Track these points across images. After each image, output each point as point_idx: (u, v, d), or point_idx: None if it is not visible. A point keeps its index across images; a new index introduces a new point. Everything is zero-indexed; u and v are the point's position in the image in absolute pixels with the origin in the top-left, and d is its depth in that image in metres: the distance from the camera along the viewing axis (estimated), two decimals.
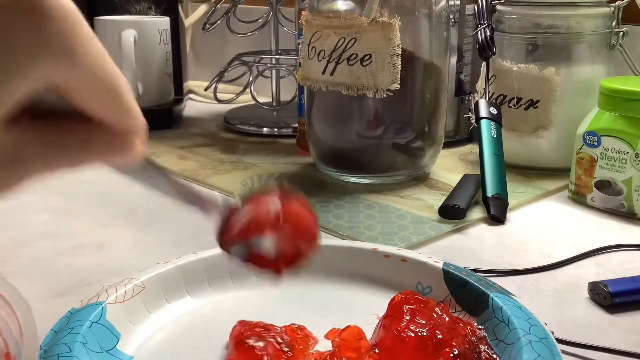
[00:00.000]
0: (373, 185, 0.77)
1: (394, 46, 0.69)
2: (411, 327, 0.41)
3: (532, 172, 0.81)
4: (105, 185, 0.77)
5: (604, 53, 0.80)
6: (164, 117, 1.04)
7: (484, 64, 0.82)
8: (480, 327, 0.44)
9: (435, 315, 0.42)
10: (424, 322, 0.41)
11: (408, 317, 0.42)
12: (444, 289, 0.48)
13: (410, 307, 0.42)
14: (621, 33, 0.79)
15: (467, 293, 0.47)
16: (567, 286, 0.54)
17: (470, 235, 0.64)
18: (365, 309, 0.47)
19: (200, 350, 0.44)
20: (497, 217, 0.67)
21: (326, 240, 0.54)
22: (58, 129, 0.26)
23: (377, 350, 0.41)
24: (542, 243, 0.62)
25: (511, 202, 0.70)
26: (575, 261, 0.58)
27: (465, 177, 0.74)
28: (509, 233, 0.65)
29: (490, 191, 0.68)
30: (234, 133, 1.02)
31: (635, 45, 0.85)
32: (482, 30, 0.81)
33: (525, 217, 0.69)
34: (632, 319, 0.49)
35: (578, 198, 0.72)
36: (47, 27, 0.23)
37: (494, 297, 0.44)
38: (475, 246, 0.62)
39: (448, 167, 0.84)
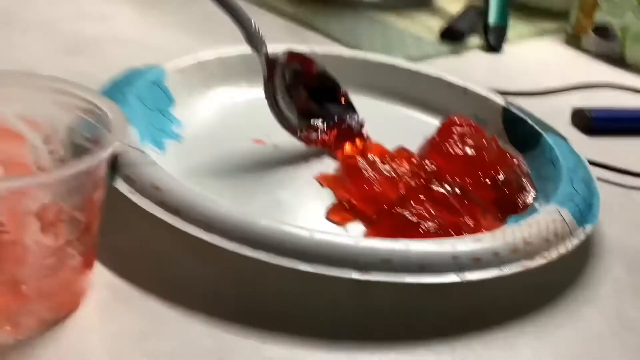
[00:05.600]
0: (377, 4, 0.76)
1: None
2: (459, 145, 0.42)
3: (535, 11, 0.81)
4: None
5: None
6: None
7: None
8: (526, 163, 0.44)
9: (485, 142, 0.42)
10: (472, 143, 0.42)
11: (457, 138, 0.42)
12: (498, 124, 0.48)
13: (462, 129, 0.43)
14: None
15: (521, 130, 0.46)
16: (552, 111, 0.56)
17: (467, 59, 0.66)
18: (417, 131, 0.46)
19: (246, 137, 0.44)
20: (494, 45, 0.68)
21: (388, 59, 0.53)
22: None
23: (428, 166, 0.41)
24: (533, 75, 0.65)
25: (510, 35, 0.71)
26: (562, 92, 0.61)
27: (469, 7, 0.75)
28: (503, 62, 0.67)
29: (492, 18, 0.69)
30: None
31: None
32: None
33: (521, 51, 0.71)
34: (609, 142, 0.52)
35: (574, 41, 0.73)
36: None
37: (547, 137, 0.44)
38: (469, 69, 0.64)
39: None
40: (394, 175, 0.39)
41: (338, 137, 0.44)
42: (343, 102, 0.45)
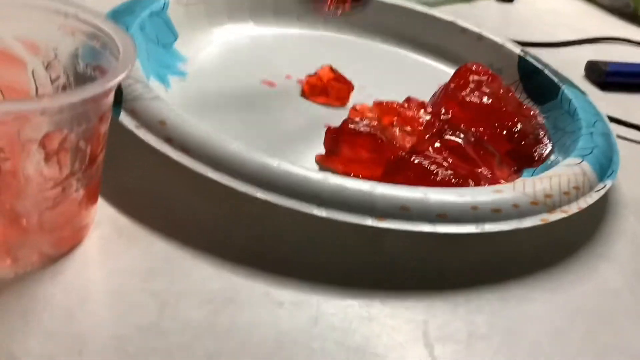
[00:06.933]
0: None
1: None
2: (475, 94, 0.40)
3: None
4: None
5: None
6: None
7: None
8: (542, 115, 0.43)
9: (502, 91, 0.41)
10: (489, 92, 0.40)
11: (473, 86, 0.40)
12: (514, 74, 0.46)
13: (478, 77, 0.41)
14: None
15: (538, 81, 0.45)
16: (565, 63, 0.55)
17: (479, 7, 0.64)
18: (429, 78, 0.46)
19: (251, 76, 0.43)
20: None
21: (401, 2, 0.52)
22: None
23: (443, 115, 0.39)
24: (547, 26, 0.63)
25: None
26: (576, 44, 0.59)
27: None
28: (516, 11, 0.65)
29: None
30: None
31: None
32: None
33: (533, 0, 0.69)
34: (621, 98, 0.51)
35: None
36: None
37: (565, 90, 0.43)
38: (482, 17, 0.61)
39: None
40: (402, 132, 0.37)
41: None
42: None
